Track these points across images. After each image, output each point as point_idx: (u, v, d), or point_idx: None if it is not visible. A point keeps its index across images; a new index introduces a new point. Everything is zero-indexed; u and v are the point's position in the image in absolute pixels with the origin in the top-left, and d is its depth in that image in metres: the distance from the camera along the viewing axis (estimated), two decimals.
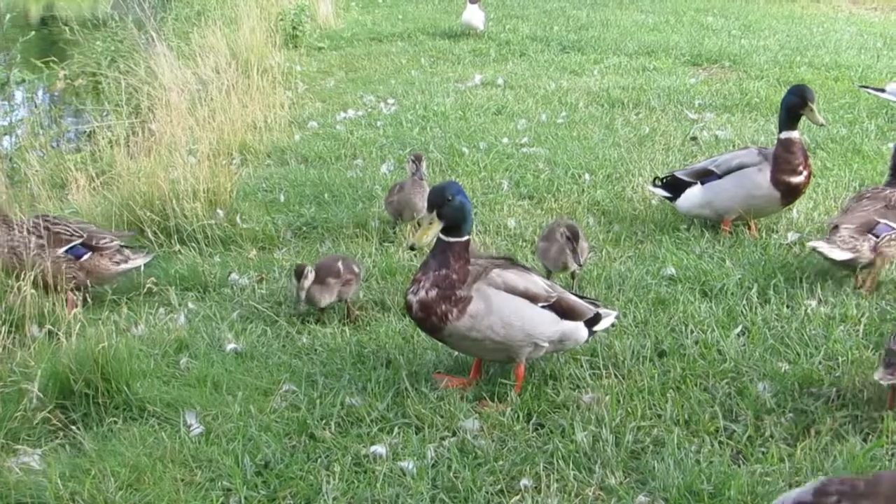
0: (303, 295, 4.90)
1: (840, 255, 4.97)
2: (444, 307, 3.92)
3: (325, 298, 4.94)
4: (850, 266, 5.07)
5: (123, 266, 5.54)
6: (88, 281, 5.41)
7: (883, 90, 8.57)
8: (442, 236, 4.01)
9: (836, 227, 5.11)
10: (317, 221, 6.37)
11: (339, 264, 5.00)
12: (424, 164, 6.10)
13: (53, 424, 4.04)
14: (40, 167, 7.82)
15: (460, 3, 16.22)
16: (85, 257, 5.39)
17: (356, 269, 5.07)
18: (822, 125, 6.30)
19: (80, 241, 5.39)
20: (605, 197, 6.62)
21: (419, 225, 3.99)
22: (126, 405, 4.15)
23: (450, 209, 3.96)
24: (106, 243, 5.47)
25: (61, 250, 5.33)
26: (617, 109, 9.26)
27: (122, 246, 5.60)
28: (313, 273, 4.91)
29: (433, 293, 3.93)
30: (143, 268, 5.60)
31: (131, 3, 11.79)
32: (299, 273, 4.90)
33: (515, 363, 4.15)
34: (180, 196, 6.30)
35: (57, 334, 4.58)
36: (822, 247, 5.01)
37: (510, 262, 4.24)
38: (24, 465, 3.70)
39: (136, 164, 6.96)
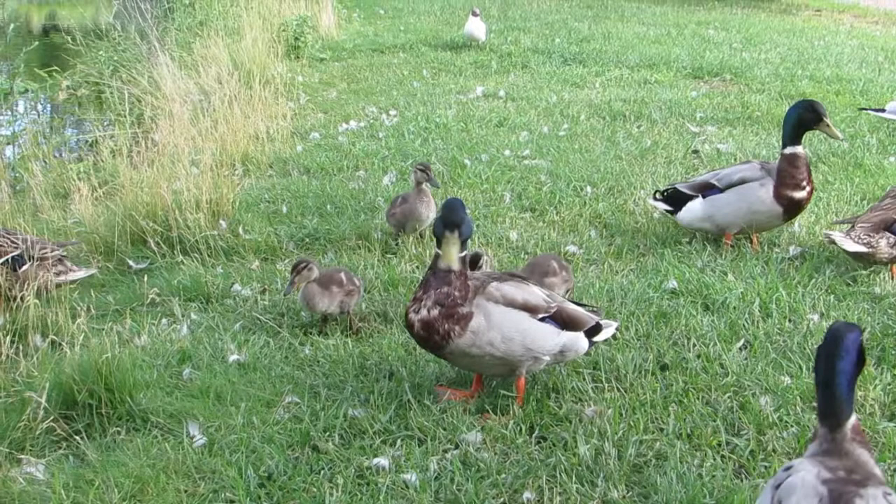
0: (290, 289, 4.94)
1: (853, 246, 5.28)
2: (446, 326, 3.91)
3: (324, 303, 4.96)
4: (865, 259, 5.37)
5: (63, 277, 5.53)
6: (28, 291, 5.27)
7: (883, 110, 8.60)
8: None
9: (853, 226, 5.42)
10: (319, 233, 6.38)
11: (343, 275, 5.02)
12: (432, 172, 6.13)
13: (57, 434, 4.05)
14: (43, 177, 7.85)
15: (462, 15, 16.31)
16: (22, 268, 5.37)
17: (357, 283, 5.08)
18: (840, 139, 6.38)
19: (17, 252, 5.37)
20: (607, 210, 6.64)
21: (439, 243, 3.95)
22: (129, 416, 4.16)
23: (466, 228, 3.96)
24: (45, 254, 5.45)
25: None
26: (618, 122, 9.29)
27: (62, 257, 5.58)
28: (312, 272, 4.94)
29: (435, 312, 3.91)
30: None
31: (134, 13, 11.83)
32: (295, 265, 4.95)
33: (516, 376, 4.15)
34: (183, 206, 6.31)
35: (60, 344, 4.60)
36: (837, 236, 5.33)
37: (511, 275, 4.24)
38: (28, 475, 3.70)
39: (139, 174, 6.96)
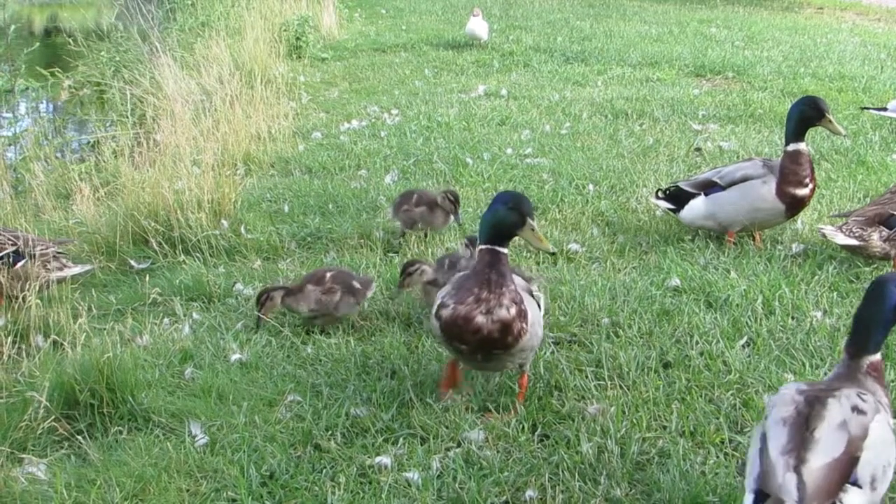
0: (261, 323, 4.98)
1: (843, 240, 5.31)
2: (520, 324, 3.73)
3: (302, 307, 4.96)
4: (858, 253, 5.39)
5: (58, 274, 5.55)
6: (28, 290, 5.23)
7: (885, 109, 8.59)
8: (498, 248, 3.78)
9: (847, 220, 5.44)
10: (321, 232, 6.37)
11: (328, 274, 5.00)
12: (460, 208, 6.09)
13: (59, 434, 4.04)
14: (45, 178, 7.85)
15: (464, 14, 16.30)
16: (19, 264, 5.39)
17: (355, 284, 5.01)
18: (843, 135, 6.38)
19: (13, 248, 5.39)
20: (610, 208, 6.62)
21: (507, 236, 3.80)
22: (131, 415, 4.15)
23: None
24: (42, 250, 5.46)
25: None
26: (621, 120, 9.28)
27: (58, 253, 5.60)
28: (274, 301, 4.95)
29: (513, 311, 3.71)
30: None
31: (135, 14, 11.84)
32: (257, 300, 4.99)
33: (521, 372, 4.12)
34: (185, 206, 6.30)
35: (62, 344, 4.59)
36: (828, 230, 5.36)
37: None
38: (30, 475, 3.70)
39: (141, 174, 6.96)
